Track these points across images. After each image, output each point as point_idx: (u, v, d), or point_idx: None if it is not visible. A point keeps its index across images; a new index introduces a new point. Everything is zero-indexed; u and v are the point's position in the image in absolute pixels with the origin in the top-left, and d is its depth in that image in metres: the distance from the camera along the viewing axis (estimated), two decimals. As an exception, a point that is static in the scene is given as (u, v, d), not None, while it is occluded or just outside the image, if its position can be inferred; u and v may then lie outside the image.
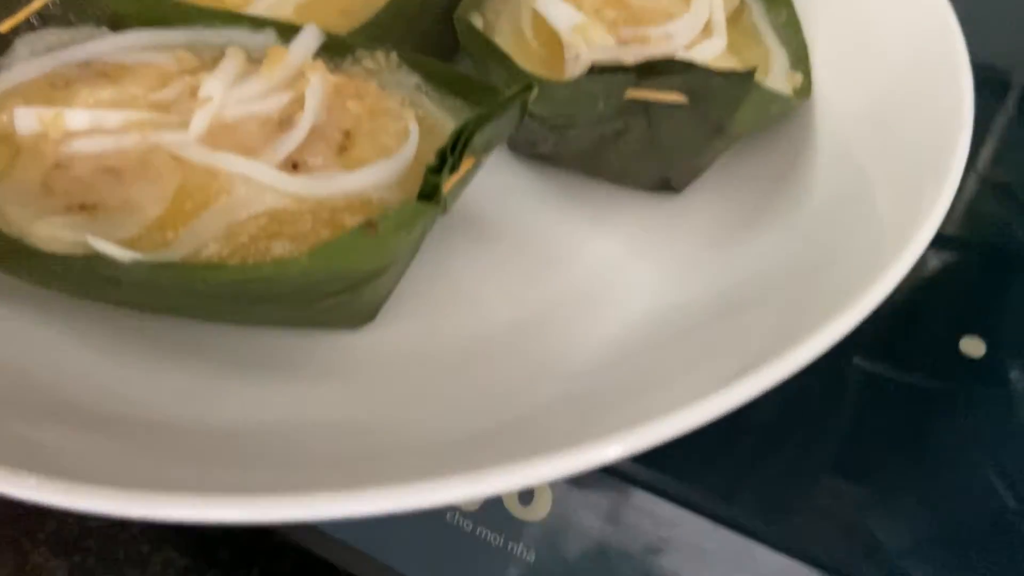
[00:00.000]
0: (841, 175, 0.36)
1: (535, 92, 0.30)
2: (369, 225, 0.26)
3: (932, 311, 0.38)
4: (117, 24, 0.36)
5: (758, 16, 0.42)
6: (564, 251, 0.37)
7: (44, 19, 0.35)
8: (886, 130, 0.35)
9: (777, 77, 0.39)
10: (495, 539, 0.37)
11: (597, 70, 0.31)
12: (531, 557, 0.36)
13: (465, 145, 0.28)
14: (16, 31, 0.35)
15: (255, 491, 0.22)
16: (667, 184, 0.38)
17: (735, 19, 0.41)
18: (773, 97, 0.36)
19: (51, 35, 0.35)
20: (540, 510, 0.37)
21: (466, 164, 0.29)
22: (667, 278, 0.36)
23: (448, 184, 0.28)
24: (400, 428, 0.30)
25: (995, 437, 0.34)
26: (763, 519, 0.33)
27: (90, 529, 0.48)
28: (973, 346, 0.37)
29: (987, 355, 0.37)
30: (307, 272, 0.27)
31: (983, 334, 0.37)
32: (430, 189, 0.27)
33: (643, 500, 0.35)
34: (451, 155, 0.28)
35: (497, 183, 0.39)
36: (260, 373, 0.32)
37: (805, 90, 0.38)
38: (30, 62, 0.34)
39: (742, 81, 0.32)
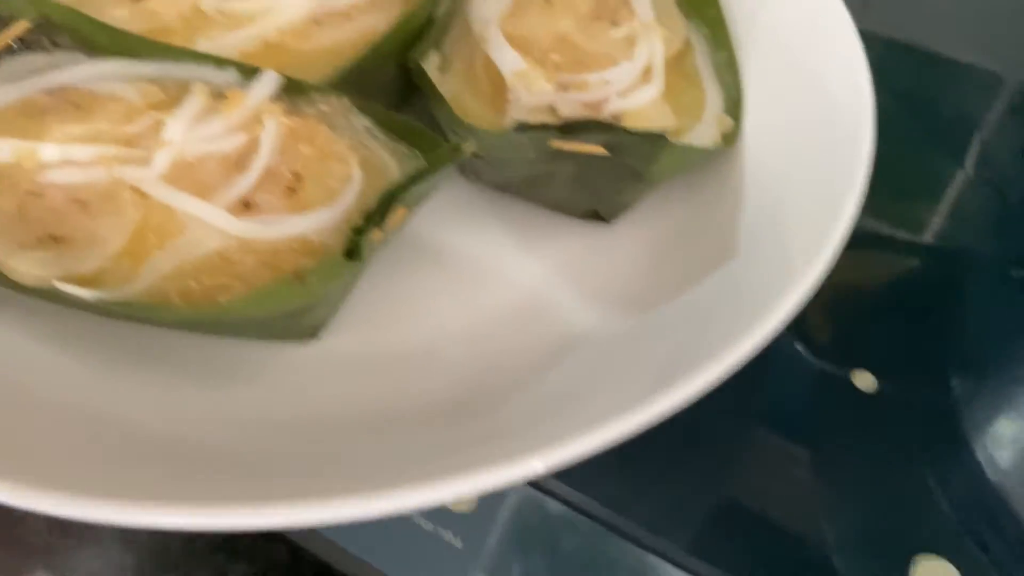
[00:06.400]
0: (757, 213, 0.39)
1: (467, 152, 0.33)
2: (298, 277, 0.30)
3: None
4: (91, 51, 0.38)
5: (701, 57, 0.44)
6: (501, 271, 0.41)
7: (24, 43, 0.38)
8: (798, 177, 0.39)
9: (708, 121, 0.42)
10: (427, 525, 0.41)
11: (523, 127, 0.34)
12: (458, 544, 0.41)
13: (388, 207, 0.31)
14: (-4, 55, 0.38)
15: (215, 499, 0.26)
16: (597, 215, 0.42)
17: (678, 61, 0.43)
18: (691, 150, 0.39)
19: (29, 60, 0.38)
20: (466, 504, 0.41)
21: (398, 216, 0.33)
22: (594, 300, 0.39)
23: (377, 237, 0.32)
24: (341, 433, 0.34)
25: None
26: (655, 529, 0.37)
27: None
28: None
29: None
30: (245, 313, 0.30)
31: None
32: (353, 247, 0.30)
33: (551, 505, 0.39)
34: (376, 216, 0.31)
35: (447, 206, 0.43)
36: (218, 378, 0.35)
37: (731, 136, 0.41)
38: (6, 88, 0.37)
39: (655, 140, 0.35)
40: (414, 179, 0.32)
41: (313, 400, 0.35)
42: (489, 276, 0.40)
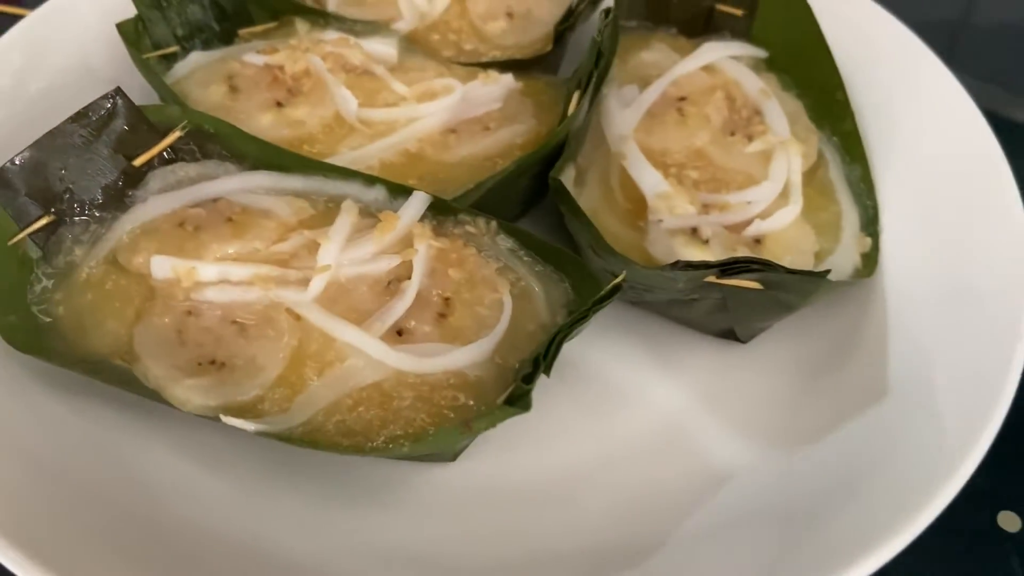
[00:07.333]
0: (902, 348, 0.38)
1: (622, 287, 0.33)
2: (465, 424, 0.29)
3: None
4: (240, 160, 0.39)
5: (834, 171, 0.44)
6: (636, 393, 0.39)
7: (175, 152, 0.39)
8: (949, 314, 0.37)
9: (847, 242, 0.41)
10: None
11: (683, 266, 0.34)
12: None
13: (557, 352, 0.31)
14: (150, 165, 0.38)
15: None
16: (732, 335, 0.41)
17: (812, 174, 0.43)
18: (841, 285, 0.38)
19: (181, 169, 0.38)
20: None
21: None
22: (733, 429, 0.38)
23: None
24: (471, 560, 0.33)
25: None
26: None
27: None
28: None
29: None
30: (407, 453, 0.30)
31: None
32: (521, 394, 0.30)
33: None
34: (544, 360, 0.30)
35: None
36: (358, 502, 0.34)
37: (871, 259, 0.40)
38: (162, 197, 0.37)
39: (815, 279, 0.35)
40: (578, 320, 0.32)
41: (452, 533, 0.34)
42: (624, 397, 0.39)
